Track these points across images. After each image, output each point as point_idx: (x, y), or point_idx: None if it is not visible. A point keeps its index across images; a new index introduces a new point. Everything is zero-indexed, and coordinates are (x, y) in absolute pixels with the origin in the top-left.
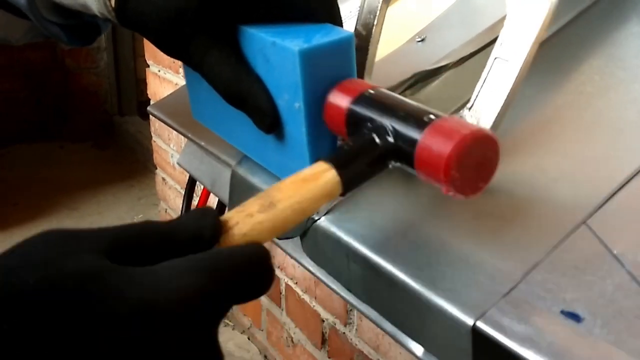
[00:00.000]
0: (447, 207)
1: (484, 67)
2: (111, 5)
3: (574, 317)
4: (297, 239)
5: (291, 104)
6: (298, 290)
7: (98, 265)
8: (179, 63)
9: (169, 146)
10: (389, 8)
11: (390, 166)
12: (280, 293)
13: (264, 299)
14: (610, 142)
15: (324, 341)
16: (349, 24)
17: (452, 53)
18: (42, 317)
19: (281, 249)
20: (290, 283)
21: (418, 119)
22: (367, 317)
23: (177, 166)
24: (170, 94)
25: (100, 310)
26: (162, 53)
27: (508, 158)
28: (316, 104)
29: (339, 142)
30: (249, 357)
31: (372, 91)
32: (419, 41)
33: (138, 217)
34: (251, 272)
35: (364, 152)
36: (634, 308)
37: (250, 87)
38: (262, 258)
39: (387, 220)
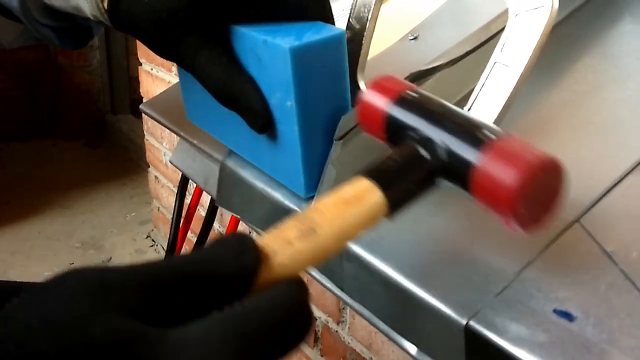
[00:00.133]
0: (440, 207)
1: (478, 67)
2: (104, 7)
3: (567, 315)
4: None
5: (283, 102)
6: None
7: (128, 330)
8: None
9: (161, 144)
10: (382, 6)
11: (437, 183)
12: None
13: None
14: (604, 141)
15: (316, 339)
16: (341, 22)
17: (446, 53)
18: None
19: None
20: None
21: (472, 135)
22: (360, 314)
23: (170, 164)
24: (163, 92)
25: None
26: None
27: None
28: (308, 102)
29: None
30: None
31: (413, 93)
32: (411, 39)
33: (131, 215)
34: (292, 329)
35: (411, 169)
36: (627, 307)
37: (242, 87)
38: (303, 303)
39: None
